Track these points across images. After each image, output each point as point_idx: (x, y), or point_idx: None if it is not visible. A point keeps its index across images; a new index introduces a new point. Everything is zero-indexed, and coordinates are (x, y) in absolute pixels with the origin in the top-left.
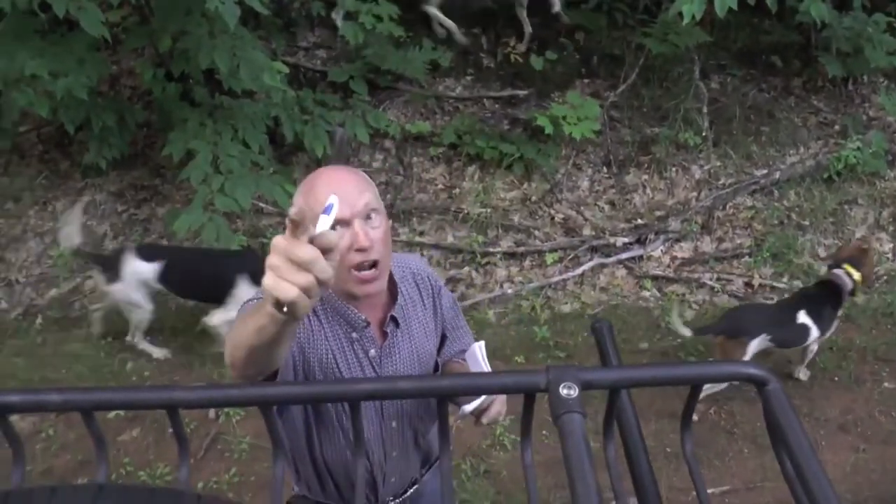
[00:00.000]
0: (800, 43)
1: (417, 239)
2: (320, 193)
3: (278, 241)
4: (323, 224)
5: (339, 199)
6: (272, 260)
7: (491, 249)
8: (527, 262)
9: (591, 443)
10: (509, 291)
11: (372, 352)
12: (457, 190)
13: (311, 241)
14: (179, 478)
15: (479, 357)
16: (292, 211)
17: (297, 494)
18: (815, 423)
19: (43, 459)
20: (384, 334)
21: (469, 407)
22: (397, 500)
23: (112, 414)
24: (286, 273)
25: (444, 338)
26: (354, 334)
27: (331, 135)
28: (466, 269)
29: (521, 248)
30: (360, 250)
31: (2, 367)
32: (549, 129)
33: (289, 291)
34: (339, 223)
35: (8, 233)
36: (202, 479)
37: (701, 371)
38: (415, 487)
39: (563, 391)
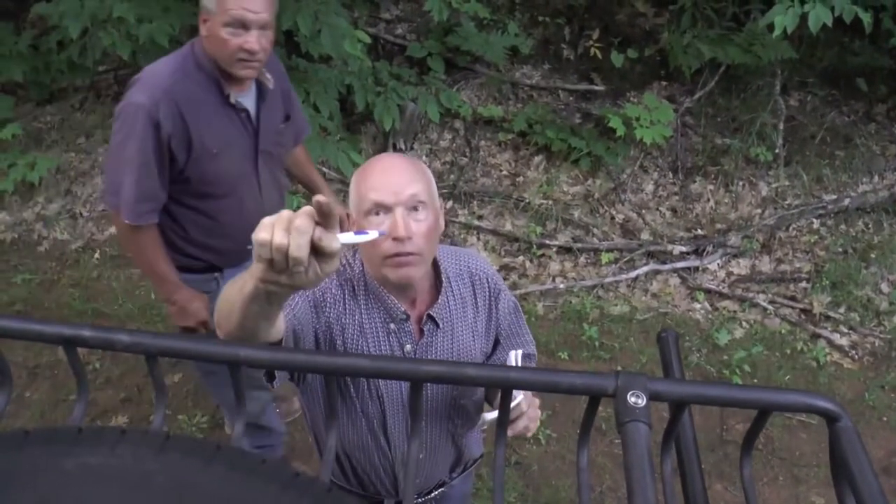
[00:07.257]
0: (889, 68)
1: (476, 223)
2: (372, 179)
3: (305, 208)
4: (346, 238)
5: (386, 187)
6: (286, 212)
7: (548, 242)
8: (581, 259)
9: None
10: (561, 286)
11: (408, 346)
12: (521, 178)
13: (320, 205)
14: (234, 434)
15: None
16: (322, 199)
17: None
18: None
19: None
20: (422, 331)
21: (489, 416)
22: (420, 500)
23: None
24: (276, 225)
25: (496, 343)
26: (392, 325)
27: (401, 109)
28: (521, 258)
29: (578, 245)
30: (397, 240)
31: (58, 296)
32: (620, 132)
33: (261, 234)
34: (381, 209)
35: (77, 167)
36: None
37: (772, 397)
38: (441, 490)
39: (631, 399)
